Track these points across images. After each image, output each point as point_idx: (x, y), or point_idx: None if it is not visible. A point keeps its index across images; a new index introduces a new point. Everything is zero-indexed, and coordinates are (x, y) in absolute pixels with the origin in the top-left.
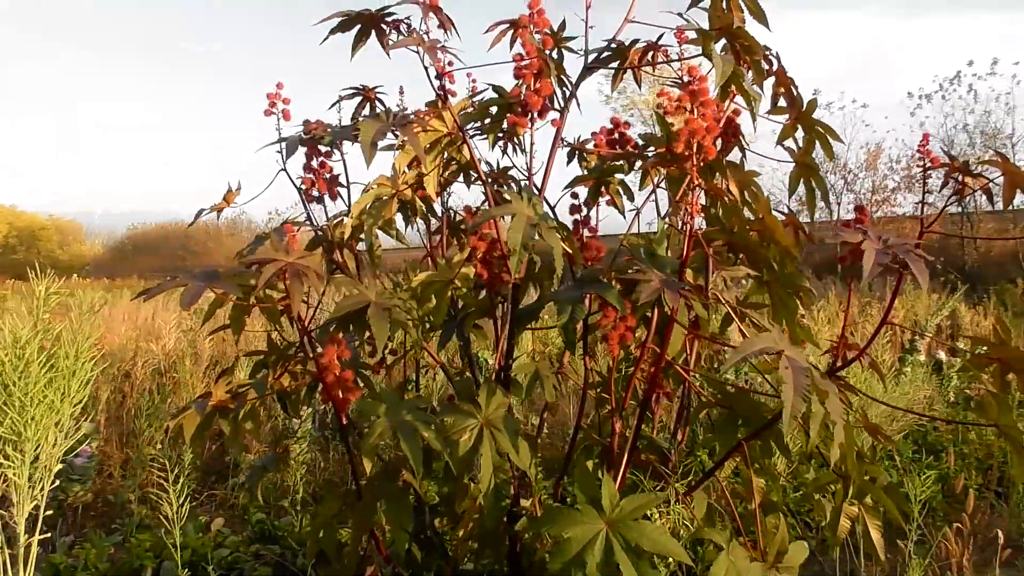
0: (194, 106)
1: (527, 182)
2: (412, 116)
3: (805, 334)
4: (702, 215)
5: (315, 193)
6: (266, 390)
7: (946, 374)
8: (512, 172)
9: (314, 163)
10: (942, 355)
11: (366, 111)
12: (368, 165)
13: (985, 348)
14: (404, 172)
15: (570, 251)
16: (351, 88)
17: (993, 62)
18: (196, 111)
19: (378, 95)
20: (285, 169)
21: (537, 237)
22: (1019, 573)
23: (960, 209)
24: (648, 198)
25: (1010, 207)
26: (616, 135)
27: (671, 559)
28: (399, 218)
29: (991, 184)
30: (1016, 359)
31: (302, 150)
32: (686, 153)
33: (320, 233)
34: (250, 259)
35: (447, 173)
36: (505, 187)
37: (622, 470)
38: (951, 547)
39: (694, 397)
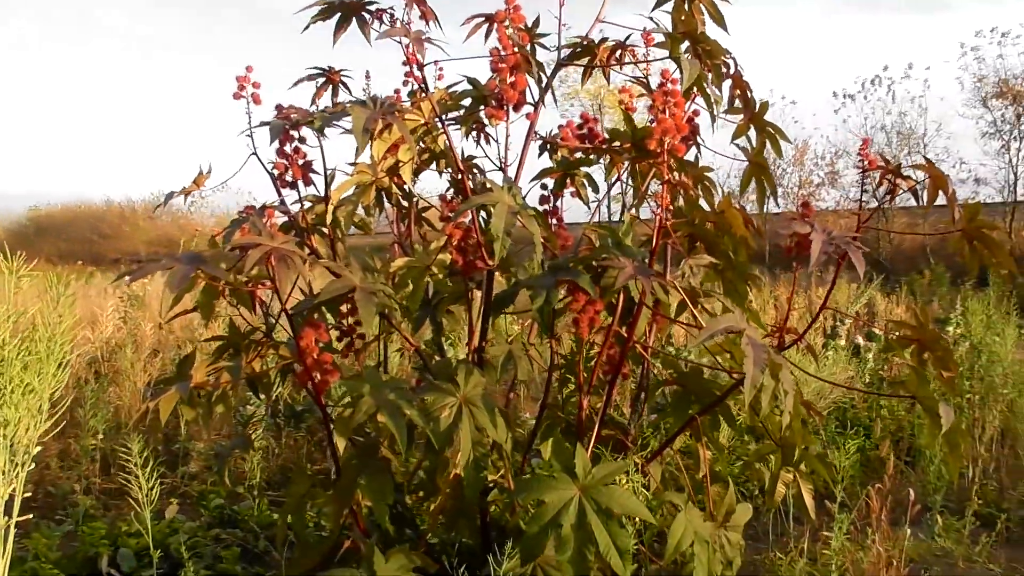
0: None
1: (500, 172)
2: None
3: (753, 317)
4: (670, 209)
5: (289, 178)
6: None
7: (863, 357)
8: (477, 162)
9: (287, 148)
10: (860, 340)
11: (327, 94)
12: (360, 151)
13: (908, 331)
14: (380, 159)
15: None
16: (316, 68)
17: (908, 66)
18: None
19: (343, 78)
20: (256, 153)
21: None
22: (925, 528)
23: (877, 205)
24: (610, 190)
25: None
26: (585, 130)
27: (638, 519)
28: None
29: (917, 185)
30: (932, 340)
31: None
32: (658, 150)
33: (290, 219)
34: (236, 243)
35: (420, 161)
36: (471, 177)
37: (592, 441)
38: (872, 504)
39: (651, 376)
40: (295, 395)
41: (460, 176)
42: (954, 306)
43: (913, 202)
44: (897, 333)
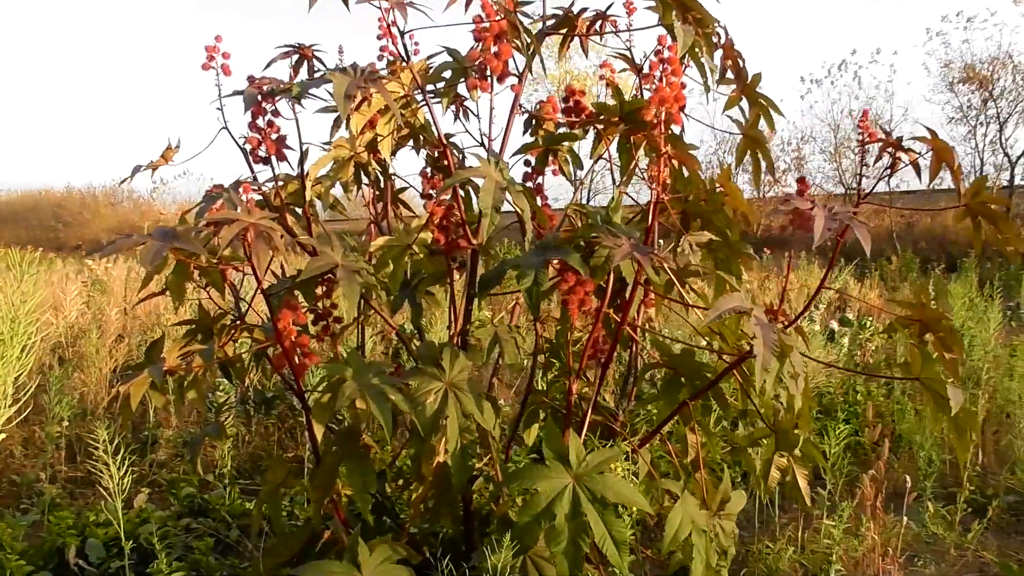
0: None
1: (482, 148)
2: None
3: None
4: (666, 184)
5: (262, 153)
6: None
7: (838, 342)
8: (457, 140)
9: (260, 122)
10: (835, 325)
11: (303, 70)
12: (343, 118)
13: (908, 311)
14: (358, 134)
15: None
16: (287, 46)
17: (876, 51)
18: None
19: (316, 53)
20: (227, 127)
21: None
22: (913, 515)
23: (843, 190)
24: (592, 167)
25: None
26: (571, 103)
27: (635, 509)
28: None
29: (920, 158)
30: (934, 320)
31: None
32: (654, 121)
33: (263, 197)
34: (212, 218)
35: (399, 137)
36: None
37: (585, 428)
38: (866, 492)
39: (639, 359)
40: (264, 381)
41: (442, 151)
42: (927, 290)
43: (882, 187)
44: (903, 312)
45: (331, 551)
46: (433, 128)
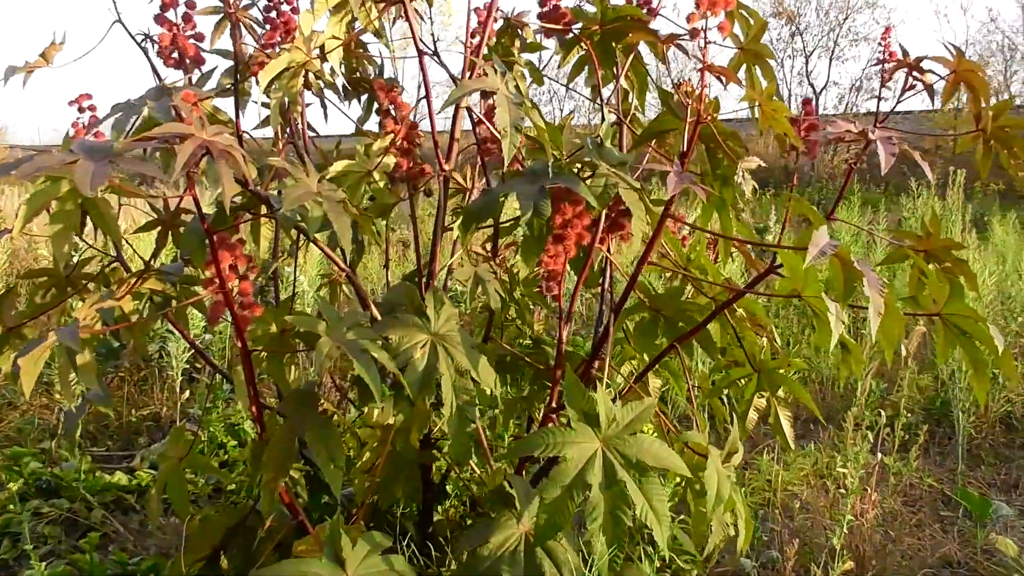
0: None
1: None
2: None
3: (743, 229)
4: (708, 99)
5: (175, 55)
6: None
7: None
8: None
9: (172, 15)
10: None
11: None
12: None
13: (912, 241)
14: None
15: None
16: None
17: None
18: None
19: None
20: (120, 20)
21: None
22: (829, 442)
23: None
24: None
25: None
26: (549, 7)
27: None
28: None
29: (941, 80)
30: (942, 250)
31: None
32: (696, 29)
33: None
34: (158, 132)
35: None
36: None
37: (605, 381)
38: (848, 434)
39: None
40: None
41: (420, 58)
42: (935, 219)
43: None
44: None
45: (273, 541)
46: (409, 27)
